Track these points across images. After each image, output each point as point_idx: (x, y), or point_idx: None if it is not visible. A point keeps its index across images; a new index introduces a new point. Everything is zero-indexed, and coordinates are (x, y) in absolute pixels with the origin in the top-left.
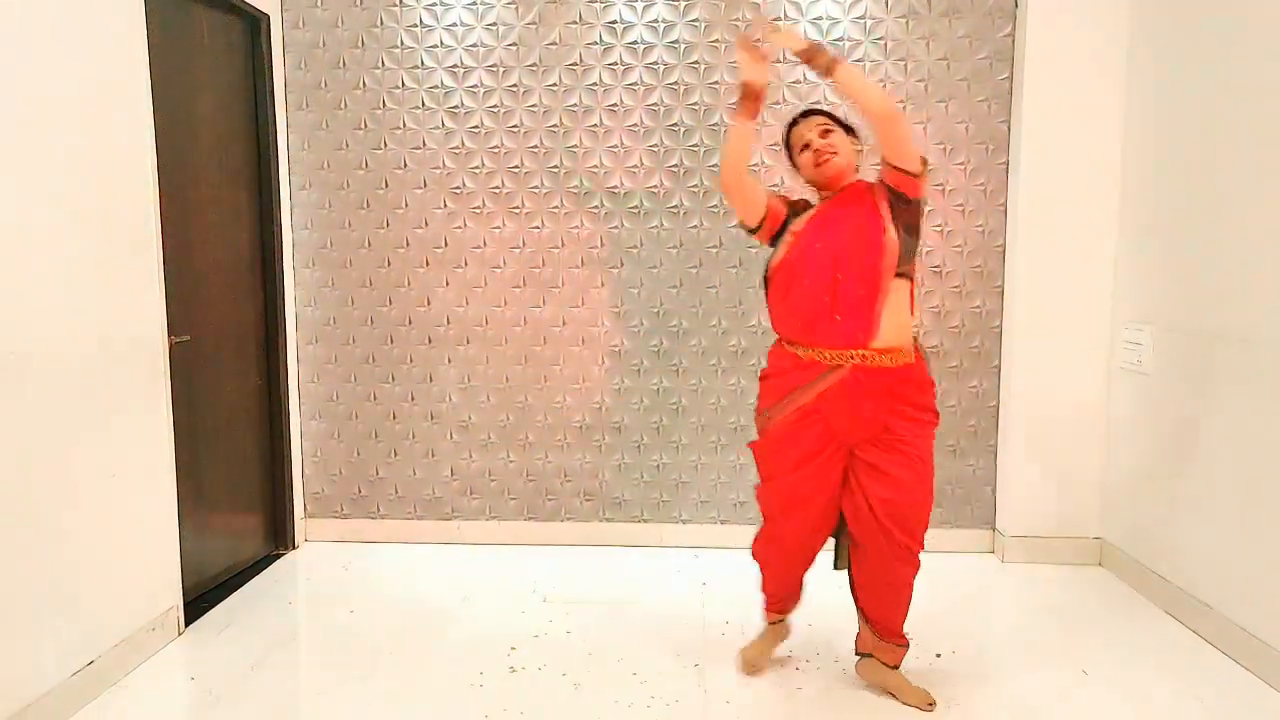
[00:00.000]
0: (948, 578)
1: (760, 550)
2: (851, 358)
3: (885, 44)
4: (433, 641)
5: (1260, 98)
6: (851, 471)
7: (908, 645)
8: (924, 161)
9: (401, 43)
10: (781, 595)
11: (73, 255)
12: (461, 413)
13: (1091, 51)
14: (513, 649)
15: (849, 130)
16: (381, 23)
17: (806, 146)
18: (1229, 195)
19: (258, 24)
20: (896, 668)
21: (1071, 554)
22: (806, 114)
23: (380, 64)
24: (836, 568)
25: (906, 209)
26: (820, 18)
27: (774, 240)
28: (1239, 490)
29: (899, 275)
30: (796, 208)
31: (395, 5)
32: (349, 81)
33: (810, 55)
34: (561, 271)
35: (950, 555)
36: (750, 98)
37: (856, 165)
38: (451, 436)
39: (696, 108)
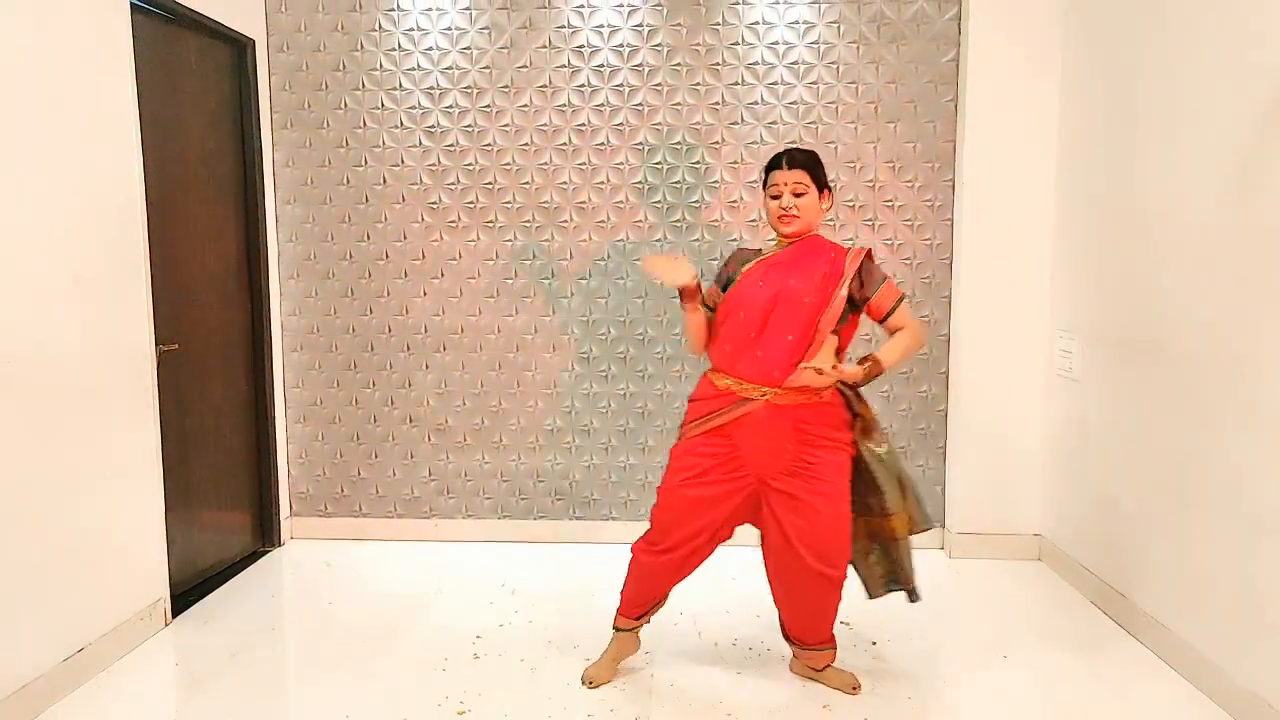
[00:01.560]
0: None
1: (639, 553)
2: (764, 393)
3: (837, 67)
4: (404, 631)
5: (1176, 126)
6: (766, 503)
7: (834, 647)
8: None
9: (381, 65)
10: (640, 602)
11: (64, 267)
12: (439, 416)
13: (1028, 75)
14: (478, 637)
15: (822, 189)
16: (362, 47)
17: (777, 196)
18: (1147, 212)
19: (244, 48)
20: (830, 667)
21: (1014, 550)
22: (791, 161)
23: (361, 86)
24: (871, 597)
25: (857, 303)
26: (776, 42)
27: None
28: (1156, 490)
29: (833, 332)
30: (737, 261)
31: (375, 30)
32: (331, 102)
33: (866, 380)
34: (533, 282)
35: None
36: (687, 295)
37: (819, 223)
38: (429, 439)
39: (660, 127)
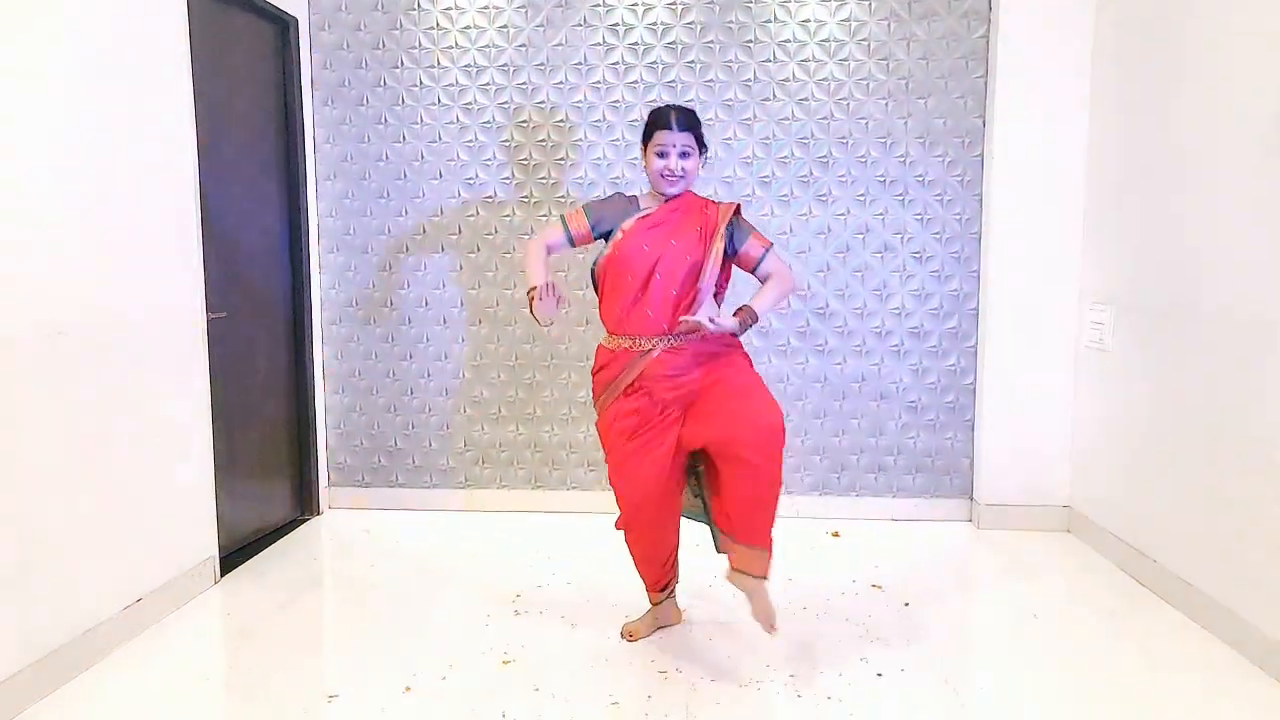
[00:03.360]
0: (924, 543)
1: (625, 535)
2: (659, 342)
3: (868, 44)
4: (445, 590)
5: (1210, 94)
6: (694, 415)
7: (771, 550)
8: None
9: (420, 44)
10: (654, 574)
11: (121, 237)
12: (474, 389)
13: (1059, 51)
14: (517, 596)
15: (703, 149)
16: (401, 25)
17: (663, 155)
18: (1178, 182)
19: (287, 26)
20: (765, 578)
21: (1042, 521)
22: (679, 124)
23: (400, 64)
24: (719, 550)
25: (730, 262)
26: (808, 20)
27: (605, 236)
28: (1190, 456)
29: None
30: (617, 205)
31: (414, 9)
32: (371, 80)
33: (742, 330)
34: (567, 257)
35: (929, 524)
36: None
37: (693, 179)
38: (464, 411)
39: (693, 103)
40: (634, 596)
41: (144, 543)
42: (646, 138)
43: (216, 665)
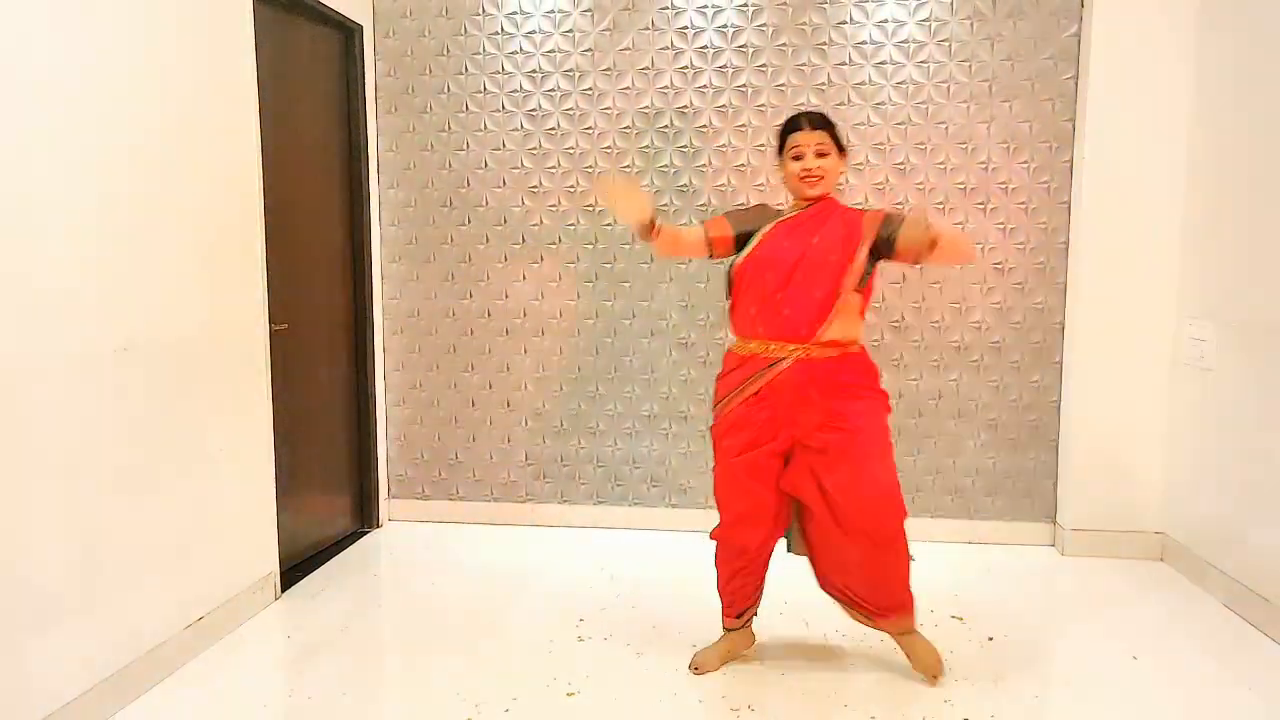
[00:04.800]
0: (1006, 568)
1: (716, 549)
2: (794, 350)
3: (950, 45)
4: (507, 611)
5: None
6: (803, 465)
7: (913, 605)
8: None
9: (484, 50)
10: (734, 598)
11: (185, 248)
12: (536, 401)
13: (1157, 48)
14: (581, 620)
15: (842, 151)
16: (466, 31)
17: (799, 157)
18: None
19: (351, 34)
20: (911, 633)
21: (1132, 548)
22: (812, 123)
23: (464, 70)
24: (791, 551)
25: (883, 253)
26: (885, 20)
27: (741, 246)
28: None
29: (855, 290)
30: (754, 214)
31: (479, 15)
32: (434, 87)
33: (921, 229)
34: (632, 266)
35: (1010, 547)
36: (643, 232)
37: (836, 185)
38: (526, 424)
39: (764, 109)
40: (702, 624)
41: (206, 558)
42: (781, 147)
43: (277, 691)
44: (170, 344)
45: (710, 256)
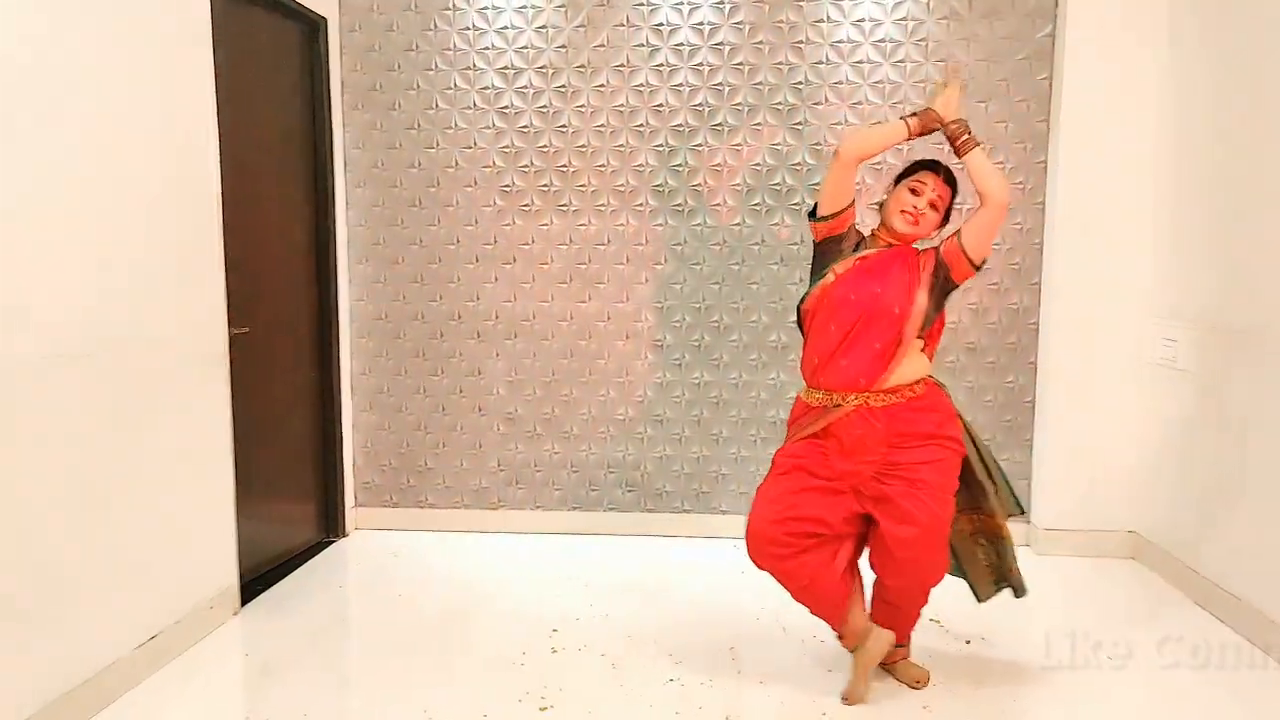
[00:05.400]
0: None
1: (758, 562)
2: (854, 400)
3: (926, 45)
4: (478, 623)
5: None
6: (869, 506)
7: (907, 645)
8: (985, 261)
9: (454, 45)
10: (826, 614)
11: (140, 249)
12: (508, 405)
13: (1130, 51)
14: (554, 631)
15: (947, 215)
16: (435, 26)
17: (916, 192)
18: (1263, 193)
19: (316, 28)
20: (893, 664)
21: (1105, 547)
22: (947, 175)
23: (434, 66)
24: (980, 600)
25: (945, 287)
26: (863, 19)
27: (819, 253)
28: (1272, 484)
29: (919, 336)
30: (851, 236)
31: (449, 9)
32: (403, 83)
33: (957, 132)
34: (606, 268)
35: None
36: (926, 126)
37: (925, 236)
38: (498, 428)
39: (740, 108)
40: (679, 632)
41: (160, 572)
42: (906, 174)
43: (234, 714)
44: (125, 349)
45: (819, 217)
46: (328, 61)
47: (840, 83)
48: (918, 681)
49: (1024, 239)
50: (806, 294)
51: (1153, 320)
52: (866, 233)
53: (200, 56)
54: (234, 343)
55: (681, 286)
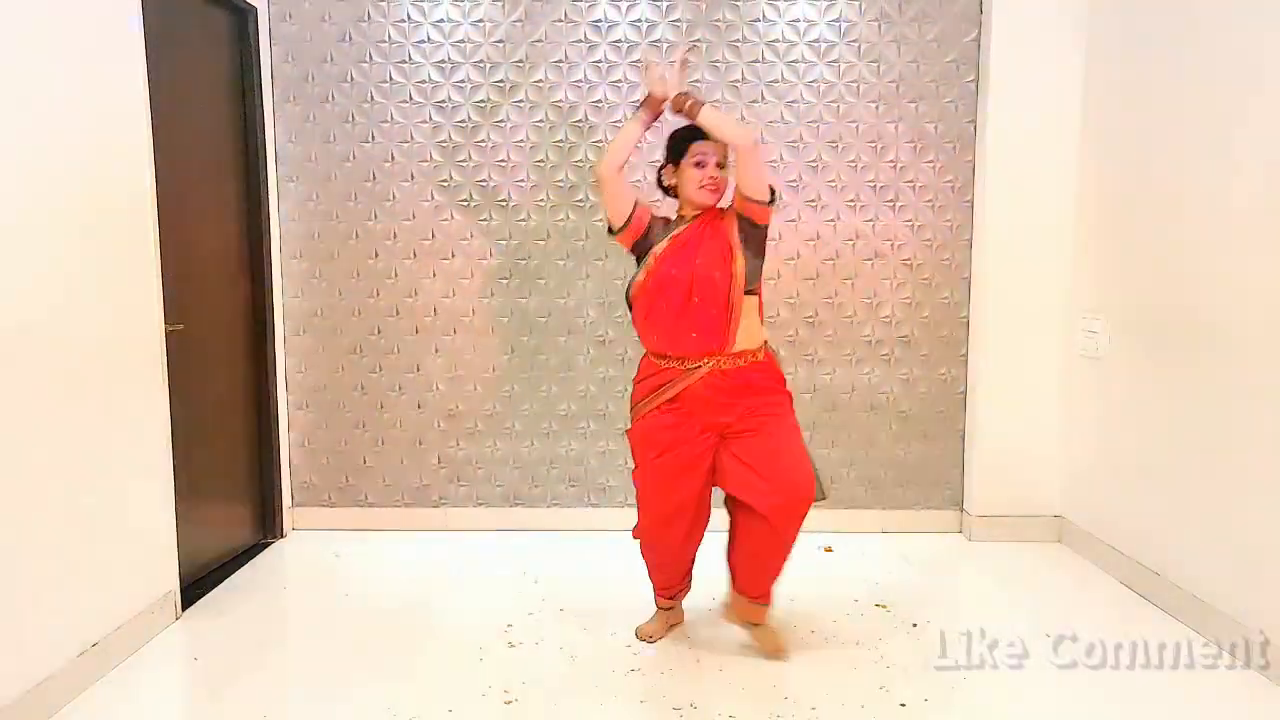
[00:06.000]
0: (919, 557)
1: (641, 543)
2: (707, 364)
3: (859, 46)
4: (430, 621)
5: (1218, 102)
6: (726, 450)
7: (769, 605)
8: (772, 191)
9: (389, 37)
10: (664, 584)
11: (70, 244)
12: (449, 402)
13: (1051, 55)
14: (509, 626)
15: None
16: (369, 17)
17: (702, 165)
18: (1176, 189)
19: (245, 16)
20: (762, 624)
21: (1034, 532)
22: (698, 133)
23: (368, 58)
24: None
25: (754, 234)
26: (797, 19)
27: (636, 253)
28: (1185, 466)
29: (748, 293)
30: (656, 226)
31: (383, 0)
32: (336, 75)
33: (680, 102)
34: (548, 264)
35: (921, 535)
36: (654, 109)
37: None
38: (439, 425)
39: None
40: (633, 623)
41: (98, 577)
42: (679, 154)
43: (188, 718)
44: (55, 348)
45: (614, 231)
46: (258, 52)
47: (776, 81)
48: (777, 651)
49: (955, 236)
50: (632, 280)
51: (1076, 313)
52: (673, 215)
53: (129, 45)
54: (169, 340)
55: (622, 282)
